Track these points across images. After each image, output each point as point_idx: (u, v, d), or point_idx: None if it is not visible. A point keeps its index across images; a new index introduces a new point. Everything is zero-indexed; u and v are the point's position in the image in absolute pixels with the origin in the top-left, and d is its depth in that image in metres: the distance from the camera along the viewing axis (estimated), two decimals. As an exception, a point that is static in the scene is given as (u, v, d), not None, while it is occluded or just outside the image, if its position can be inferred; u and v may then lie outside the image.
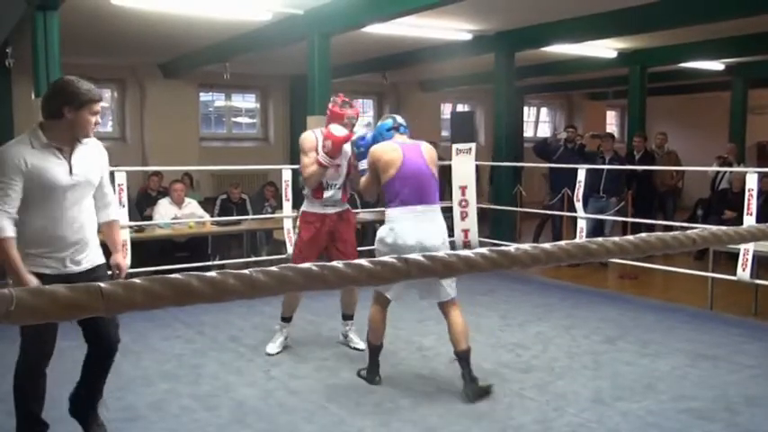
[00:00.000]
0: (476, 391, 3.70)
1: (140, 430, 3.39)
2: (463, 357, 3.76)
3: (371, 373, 4.04)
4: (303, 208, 4.56)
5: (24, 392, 3.03)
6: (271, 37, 7.97)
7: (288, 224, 6.57)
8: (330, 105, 4.48)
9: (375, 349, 4.05)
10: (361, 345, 4.57)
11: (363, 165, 4.18)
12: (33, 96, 6.24)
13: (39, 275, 2.80)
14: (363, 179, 4.13)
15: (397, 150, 3.88)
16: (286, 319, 4.67)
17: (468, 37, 8.73)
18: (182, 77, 11.23)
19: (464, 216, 7.23)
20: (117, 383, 4.02)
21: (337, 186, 4.45)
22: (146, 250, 6.95)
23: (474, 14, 7.69)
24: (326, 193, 4.43)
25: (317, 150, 4.33)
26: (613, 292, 6.74)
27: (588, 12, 7.50)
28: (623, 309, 5.83)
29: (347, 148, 4.36)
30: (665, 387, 3.95)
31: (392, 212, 3.86)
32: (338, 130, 4.32)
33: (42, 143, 2.80)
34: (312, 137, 4.42)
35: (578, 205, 6.79)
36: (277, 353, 4.56)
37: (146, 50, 9.75)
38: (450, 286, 3.84)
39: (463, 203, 7.21)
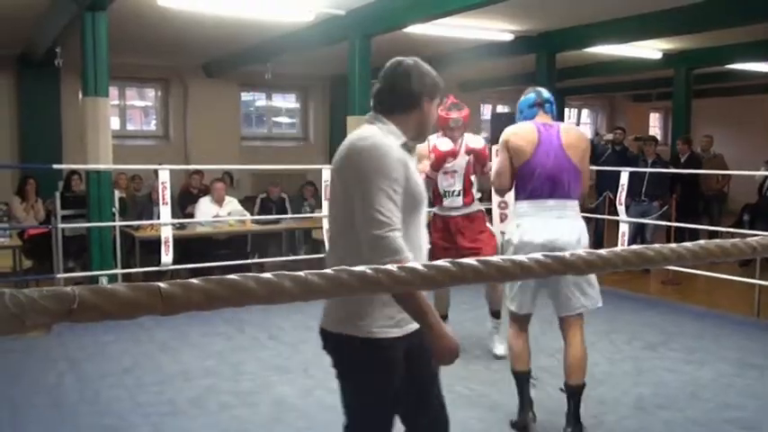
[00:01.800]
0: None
1: (180, 425, 3.44)
2: (576, 393, 3.21)
3: (520, 412, 3.40)
4: (433, 210, 4.51)
5: None
6: (312, 37, 8.02)
7: (326, 224, 6.60)
8: (440, 108, 4.27)
9: (517, 377, 3.42)
10: (500, 351, 4.46)
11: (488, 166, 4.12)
12: (81, 96, 6.38)
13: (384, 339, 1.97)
14: (494, 167, 3.60)
15: (532, 133, 3.27)
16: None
17: (510, 38, 8.65)
18: (224, 77, 11.37)
19: (503, 218, 7.16)
20: (157, 378, 4.09)
21: (455, 193, 4.42)
22: (187, 248, 7.06)
23: (516, 15, 7.62)
24: (445, 201, 4.46)
25: (429, 158, 4.30)
26: (655, 298, 6.61)
27: (632, 12, 7.37)
28: (665, 314, 5.72)
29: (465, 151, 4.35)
30: (710, 395, 3.86)
31: (520, 206, 3.35)
32: (443, 144, 4.24)
33: (401, 142, 2.01)
34: (425, 145, 4.26)
35: (621, 209, 6.68)
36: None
37: (189, 51, 9.89)
38: (587, 291, 3.31)
39: (502, 205, 7.15)
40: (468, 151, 4.39)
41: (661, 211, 7.83)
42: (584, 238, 3.29)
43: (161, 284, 0.58)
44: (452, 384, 3.97)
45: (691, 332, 5.18)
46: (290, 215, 8.07)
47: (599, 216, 8.28)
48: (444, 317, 4.48)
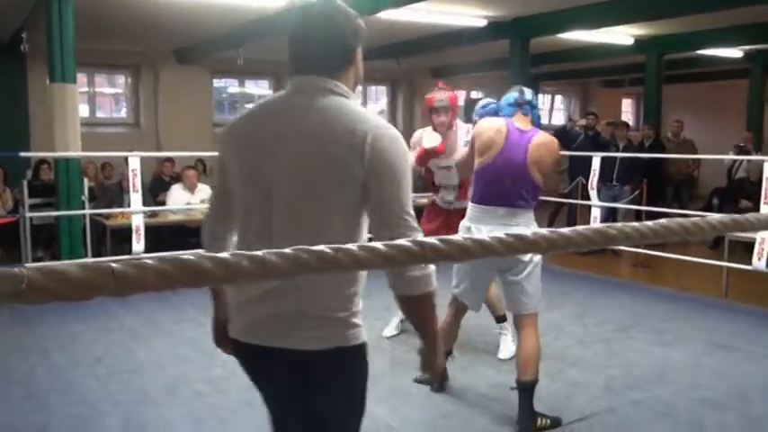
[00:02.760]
0: (527, 429, 3.19)
1: (153, 413, 3.42)
2: (524, 389, 3.21)
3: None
4: (434, 199, 4.50)
5: None
6: (284, 23, 7.94)
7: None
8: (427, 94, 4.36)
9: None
10: (504, 354, 4.20)
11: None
12: (48, 82, 6.26)
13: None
14: (464, 155, 3.65)
15: (500, 136, 3.23)
16: (501, 318, 4.27)
17: (483, 23, 8.65)
18: (195, 64, 11.24)
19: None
20: (129, 366, 4.06)
21: (451, 188, 4.37)
22: (159, 236, 6.99)
23: (489, 0, 7.62)
24: (440, 193, 4.43)
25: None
26: (626, 281, 6.70)
27: (605, -2, 7.42)
28: (636, 297, 5.80)
29: (461, 140, 4.20)
30: (678, 376, 3.93)
31: (471, 209, 3.36)
32: (430, 141, 4.15)
33: None
34: (416, 136, 4.35)
35: (593, 193, 6.75)
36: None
37: (160, 36, 9.75)
38: (532, 297, 3.28)
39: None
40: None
41: (632, 196, 7.93)
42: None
43: (113, 264, 0.57)
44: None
45: (661, 314, 5.26)
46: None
47: (572, 201, 8.36)
48: (500, 318, 4.34)
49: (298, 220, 1.59)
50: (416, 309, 1.69)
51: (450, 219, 4.32)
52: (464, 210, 3.86)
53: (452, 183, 4.34)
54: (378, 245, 0.65)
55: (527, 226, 3.26)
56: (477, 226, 3.26)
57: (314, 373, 1.69)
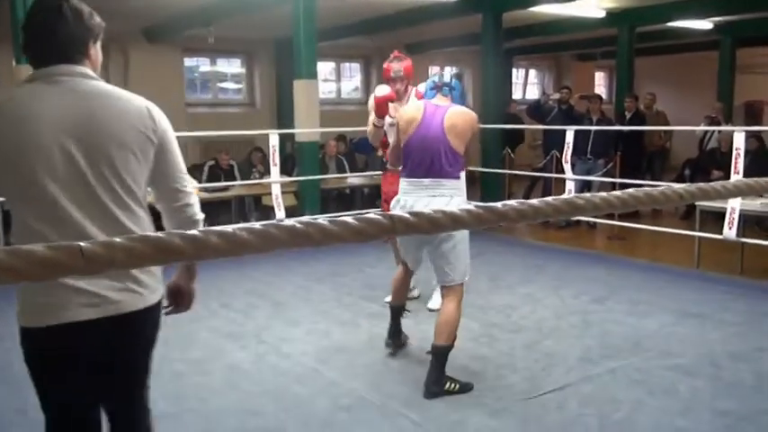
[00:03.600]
0: (435, 391, 3.32)
1: (133, 396, 3.41)
2: (437, 353, 3.36)
3: (390, 337, 3.87)
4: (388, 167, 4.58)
5: None
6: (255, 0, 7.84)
7: (276, 189, 6.54)
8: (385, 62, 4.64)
9: (393, 308, 3.85)
10: (432, 305, 4.59)
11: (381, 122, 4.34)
12: (14, 64, 6.13)
13: None
14: (393, 139, 3.87)
15: (418, 112, 3.48)
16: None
17: (456, -3, 8.62)
18: (165, 42, 11.06)
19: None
20: (108, 350, 4.04)
21: None
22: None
23: (461, -26, 7.58)
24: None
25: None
26: (601, 253, 6.79)
27: (576, -30, 7.42)
28: (611, 269, 5.88)
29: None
30: (652, 345, 4.01)
31: (401, 183, 3.56)
32: (381, 90, 4.41)
33: None
34: (371, 98, 4.58)
35: (567, 167, 6.79)
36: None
37: (128, 15, 9.55)
38: (454, 268, 3.42)
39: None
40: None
41: (606, 169, 8.00)
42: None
43: (82, 243, 0.56)
44: (404, 342, 4.02)
45: (635, 285, 5.35)
46: (239, 182, 7.97)
47: (546, 174, 8.41)
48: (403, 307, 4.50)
49: (93, 198, 1.75)
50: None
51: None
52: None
53: None
54: (348, 220, 0.66)
55: (453, 195, 3.45)
56: (406, 198, 3.49)
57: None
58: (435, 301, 4.44)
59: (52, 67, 1.76)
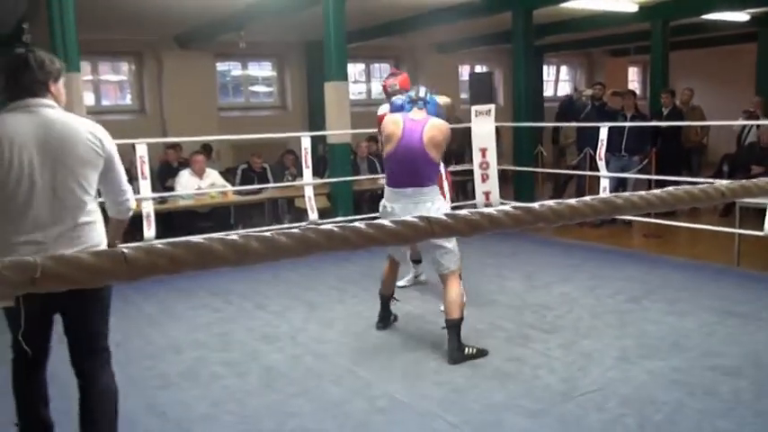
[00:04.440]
0: (457, 357, 3.71)
1: (173, 397, 3.46)
2: (451, 326, 3.76)
3: (380, 321, 4.34)
4: None
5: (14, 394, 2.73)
6: (286, 3, 7.90)
7: (309, 191, 6.58)
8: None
9: (382, 297, 4.31)
10: (402, 282, 4.97)
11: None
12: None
13: None
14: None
15: (398, 126, 3.86)
16: (416, 262, 5.19)
17: (486, -4, 8.57)
18: (198, 48, 11.20)
19: (485, 178, 7.19)
20: (148, 352, 4.10)
21: None
22: (170, 222, 7.02)
23: (491, -27, 7.54)
24: None
25: None
26: (638, 252, 6.69)
27: (608, -35, 7.32)
28: (648, 268, 5.79)
29: None
30: (692, 344, 3.93)
31: (386, 191, 3.97)
32: (381, 109, 4.79)
33: None
34: (381, 108, 4.96)
35: (601, 164, 6.71)
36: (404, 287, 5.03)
37: (161, 22, 9.71)
38: (446, 258, 3.82)
39: (483, 165, 7.16)
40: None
41: (641, 165, 7.88)
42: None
43: (125, 250, 0.57)
44: (439, 344, 4.02)
45: (673, 284, 5.25)
46: (272, 184, 8.03)
47: (580, 173, 8.32)
48: (419, 260, 5.23)
49: (58, 196, 2.40)
50: (117, 226, 2.77)
51: None
52: None
53: None
54: (386, 223, 0.66)
55: (433, 201, 3.86)
56: (392, 205, 3.89)
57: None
58: (405, 279, 5.15)
59: (24, 100, 2.43)
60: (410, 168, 3.80)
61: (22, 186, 2.33)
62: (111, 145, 2.54)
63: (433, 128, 3.82)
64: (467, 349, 3.76)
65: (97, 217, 2.54)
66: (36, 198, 2.34)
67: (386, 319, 4.36)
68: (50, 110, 2.46)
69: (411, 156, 3.79)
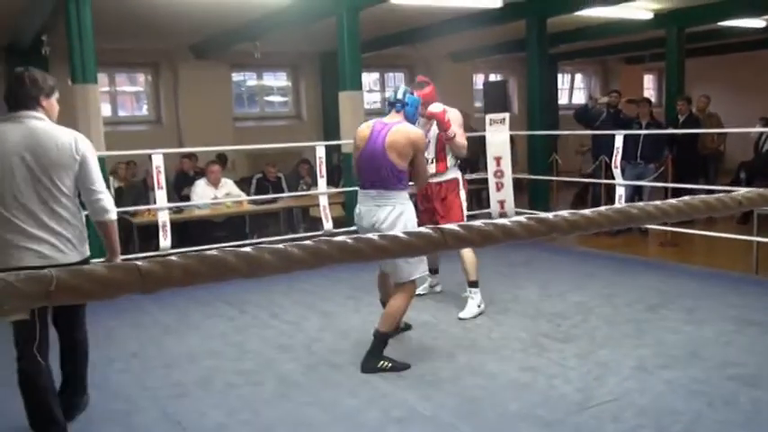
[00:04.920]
0: (368, 367, 3.77)
1: (188, 406, 3.47)
2: (377, 337, 3.80)
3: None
4: None
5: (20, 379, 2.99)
6: (300, 14, 7.94)
7: (323, 201, 6.59)
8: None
9: (382, 303, 4.26)
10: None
11: (451, 132, 4.56)
12: (70, 83, 6.33)
13: None
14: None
15: (367, 130, 3.91)
16: (475, 283, 4.77)
17: (499, 4, 8.56)
18: (213, 58, 11.29)
19: (499, 187, 7.16)
20: (164, 361, 4.12)
21: (429, 161, 4.69)
22: (185, 231, 7.06)
23: (504, -19, 7.55)
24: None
25: None
26: (654, 260, 6.63)
27: (622, -27, 7.30)
28: (665, 276, 5.74)
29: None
30: (711, 354, 3.89)
31: (358, 194, 4.03)
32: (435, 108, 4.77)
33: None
34: (421, 123, 4.81)
35: (616, 172, 6.67)
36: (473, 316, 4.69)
37: (177, 33, 9.80)
38: (404, 268, 3.81)
39: (498, 174, 7.14)
40: (429, 116, 4.58)
41: (657, 173, 7.83)
42: (400, 222, 3.83)
43: (139, 263, 0.58)
44: (454, 354, 4.00)
45: (690, 292, 5.21)
46: (286, 194, 8.06)
47: (595, 180, 8.28)
48: (435, 270, 5.22)
49: (43, 205, 2.87)
50: (105, 234, 3.10)
51: (427, 190, 4.78)
52: (445, 181, 4.76)
53: (429, 156, 4.70)
54: (399, 234, 0.66)
55: (395, 204, 3.84)
56: (360, 207, 3.94)
57: None
58: (467, 311, 4.72)
59: (17, 112, 2.88)
60: (374, 171, 3.82)
61: (4, 184, 2.80)
62: (85, 149, 2.96)
63: (396, 132, 3.80)
64: (382, 362, 3.77)
65: (76, 214, 3.00)
66: (17, 201, 2.82)
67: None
68: (37, 121, 2.89)
69: (373, 159, 3.81)
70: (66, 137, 2.91)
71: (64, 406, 3.11)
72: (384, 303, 4.25)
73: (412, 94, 4.02)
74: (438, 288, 5.33)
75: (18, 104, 2.88)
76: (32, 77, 2.91)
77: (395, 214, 3.83)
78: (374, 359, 3.77)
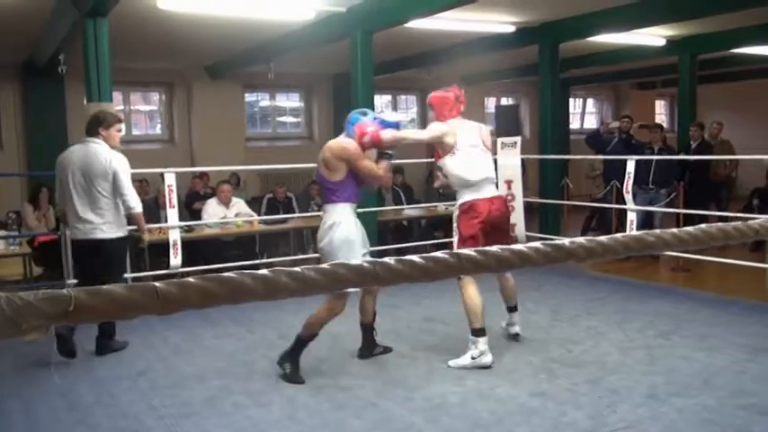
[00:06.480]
0: (278, 362, 4.05)
1: (195, 426, 3.45)
2: (296, 339, 4.05)
3: (369, 346, 4.46)
4: None
5: None
6: (314, 35, 8.02)
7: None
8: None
9: (363, 326, 4.48)
10: (516, 329, 4.68)
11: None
12: (86, 102, 6.40)
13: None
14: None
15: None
16: (478, 331, 4.17)
17: (512, 29, 8.62)
18: (227, 79, 11.38)
19: (511, 210, 7.15)
20: (172, 380, 4.11)
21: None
22: (196, 250, 7.07)
23: (517, 6, 7.60)
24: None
25: None
26: (666, 286, 6.58)
27: (634, -1, 7.33)
28: (677, 302, 5.69)
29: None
30: (723, 382, 3.84)
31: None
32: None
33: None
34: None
35: (628, 197, 6.65)
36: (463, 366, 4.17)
37: (192, 53, 9.91)
38: None
39: (509, 197, 7.13)
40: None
41: (668, 199, 7.80)
42: (331, 232, 4.00)
43: (157, 284, 0.58)
44: (464, 377, 3.97)
45: (702, 319, 5.16)
46: (297, 214, 8.07)
47: (606, 205, 8.25)
48: (514, 308, 4.70)
49: (89, 199, 4.47)
50: (132, 218, 4.60)
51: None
52: (455, 205, 4.61)
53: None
54: (416, 258, 0.66)
55: (327, 219, 4.03)
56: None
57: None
58: (459, 360, 4.19)
59: (85, 138, 4.51)
60: (321, 187, 4.17)
61: (69, 186, 4.43)
62: (117, 165, 4.43)
63: (325, 149, 4.09)
64: (287, 366, 4.00)
65: (112, 208, 4.48)
66: (75, 193, 4.43)
67: (372, 345, 4.44)
68: (95, 144, 4.46)
69: (318, 176, 4.16)
70: (104, 156, 4.40)
71: (97, 345, 4.63)
72: (363, 326, 4.42)
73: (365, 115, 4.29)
74: (514, 329, 4.70)
75: (87, 133, 4.50)
76: (95, 115, 4.57)
77: (326, 227, 4.01)
78: (284, 358, 4.03)
